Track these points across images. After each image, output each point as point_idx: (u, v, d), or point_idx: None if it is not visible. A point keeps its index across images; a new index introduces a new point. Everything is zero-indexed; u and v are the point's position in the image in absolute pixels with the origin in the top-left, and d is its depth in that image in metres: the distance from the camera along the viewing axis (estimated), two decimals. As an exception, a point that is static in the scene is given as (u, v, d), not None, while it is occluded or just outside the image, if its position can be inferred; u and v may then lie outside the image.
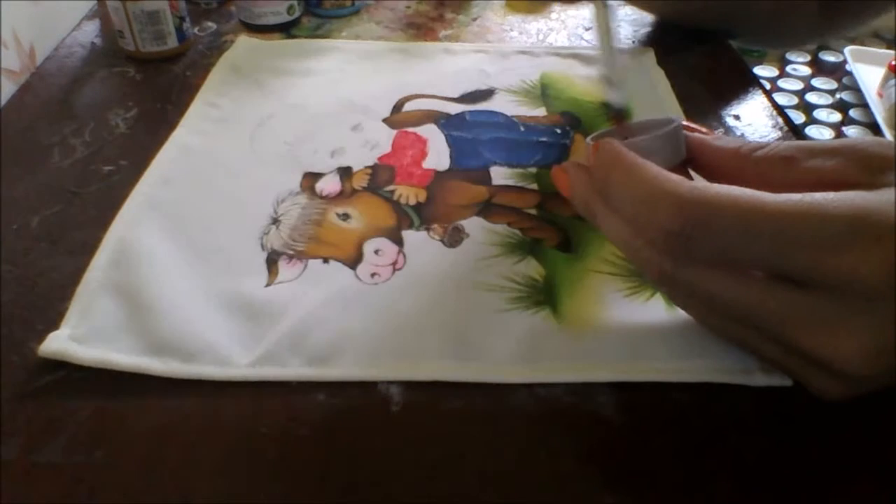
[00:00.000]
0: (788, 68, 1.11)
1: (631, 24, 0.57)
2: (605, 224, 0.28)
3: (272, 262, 0.33)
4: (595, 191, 0.28)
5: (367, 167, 0.40)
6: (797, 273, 0.23)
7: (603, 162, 0.27)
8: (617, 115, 0.32)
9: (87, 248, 0.33)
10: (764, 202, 0.23)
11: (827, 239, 0.22)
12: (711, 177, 0.28)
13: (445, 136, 0.42)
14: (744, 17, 0.53)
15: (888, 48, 1.06)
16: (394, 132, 0.43)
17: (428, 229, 0.36)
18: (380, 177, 0.39)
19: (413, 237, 0.35)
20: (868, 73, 0.99)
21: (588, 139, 0.29)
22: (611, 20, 0.34)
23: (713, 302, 0.25)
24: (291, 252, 0.34)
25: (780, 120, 0.45)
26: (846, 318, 0.23)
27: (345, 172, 0.39)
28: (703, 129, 0.30)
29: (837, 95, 1.04)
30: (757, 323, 0.25)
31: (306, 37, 0.54)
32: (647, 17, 0.57)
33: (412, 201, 0.37)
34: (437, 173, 0.39)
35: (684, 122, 0.29)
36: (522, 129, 0.43)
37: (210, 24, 0.56)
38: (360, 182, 0.39)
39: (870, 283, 0.22)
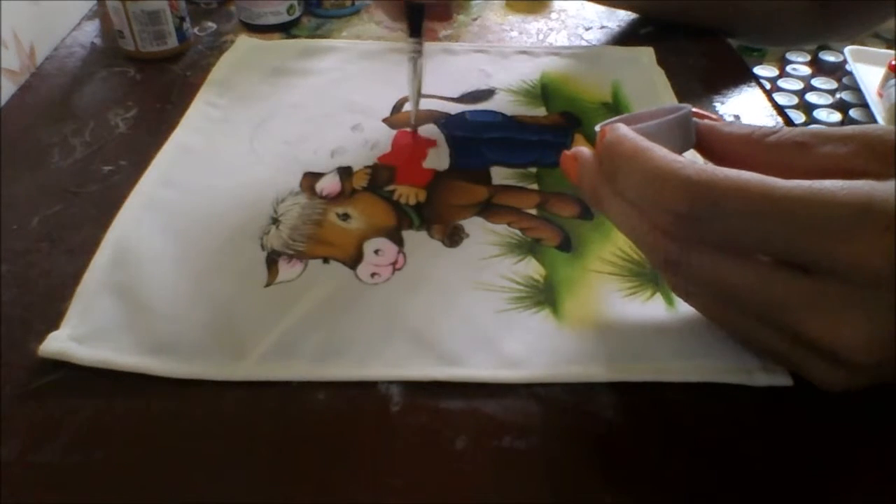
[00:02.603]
0: (788, 68, 1.11)
1: (630, 23, 0.57)
2: (611, 209, 0.27)
3: (272, 262, 0.33)
4: (602, 176, 0.28)
5: (367, 167, 0.40)
6: (804, 259, 0.23)
7: (610, 146, 0.27)
8: None
9: (87, 248, 0.33)
10: (773, 186, 0.23)
11: (835, 226, 0.22)
12: (721, 163, 0.27)
13: (445, 136, 0.42)
14: (737, 17, 0.53)
15: (888, 48, 1.06)
16: (394, 132, 0.43)
17: (428, 229, 0.36)
18: (380, 177, 0.39)
19: (413, 237, 0.35)
20: (868, 73, 0.99)
21: (597, 126, 0.28)
22: (422, 74, 0.40)
23: (718, 288, 0.25)
24: (291, 252, 0.34)
25: (780, 120, 0.45)
26: (851, 305, 0.23)
27: (345, 172, 0.39)
28: (713, 116, 0.29)
29: (837, 95, 1.04)
30: (761, 310, 0.25)
31: (306, 37, 0.54)
32: (648, 17, 0.57)
33: (412, 201, 0.37)
34: (437, 173, 0.39)
35: (693, 110, 0.29)
36: (522, 129, 0.43)
37: (210, 24, 0.56)
38: (360, 182, 0.39)
39: (876, 271, 0.22)
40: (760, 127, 0.27)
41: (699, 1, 0.53)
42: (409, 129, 0.42)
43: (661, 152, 0.25)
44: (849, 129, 0.25)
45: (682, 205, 0.24)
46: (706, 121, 0.29)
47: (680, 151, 0.27)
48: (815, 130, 0.26)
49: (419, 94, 0.41)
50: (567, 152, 0.30)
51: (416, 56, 0.40)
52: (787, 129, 0.27)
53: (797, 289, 0.23)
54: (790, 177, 0.23)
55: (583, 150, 0.29)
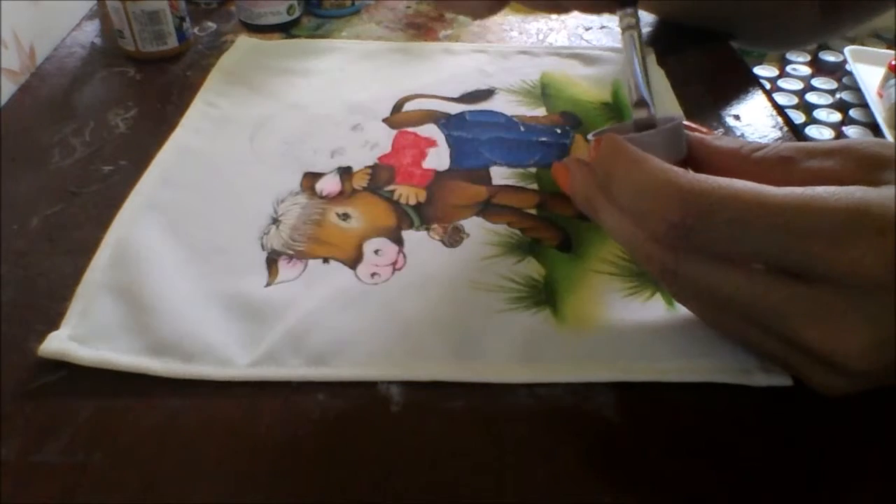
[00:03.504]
0: (788, 68, 1.11)
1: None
2: (606, 219, 0.28)
3: (272, 262, 0.33)
4: (596, 186, 0.28)
5: (367, 167, 0.40)
6: (798, 266, 0.23)
7: (605, 156, 0.27)
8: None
9: (87, 248, 0.33)
10: (765, 195, 0.23)
11: (828, 231, 0.22)
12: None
13: (445, 136, 0.42)
14: (746, 17, 0.53)
15: (888, 48, 1.06)
16: (394, 132, 0.43)
17: (428, 229, 0.36)
18: (380, 177, 0.39)
19: (413, 237, 0.35)
20: (868, 73, 0.99)
21: (590, 136, 0.29)
22: (641, 45, 0.32)
23: (715, 296, 0.25)
24: (291, 252, 0.34)
25: (780, 120, 0.45)
26: (847, 311, 0.23)
27: (345, 172, 0.39)
28: (704, 129, 0.30)
29: (837, 95, 1.04)
30: (758, 317, 0.25)
31: (306, 37, 0.54)
32: (648, 17, 0.57)
33: (412, 201, 0.37)
34: (437, 173, 0.39)
35: (685, 122, 0.29)
36: (522, 129, 0.43)
37: (210, 24, 0.56)
38: (360, 182, 0.39)
39: (871, 275, 0.22)
40: (749, 142, 0.28)
41: (703, 2, 0.53)
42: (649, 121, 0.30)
43: (656, 162, 0.25)
44: (834, 143, 0.26)
45: (677, 214, 0.24)
46: (696, 134, 0.29)
47: (672, 162, 0.27)
48: (800, 146, 0.26)
49: (645, 73, 0.31)
50: (557, 163, 0.30)
51: (633, 27, 0.32)
52: (773, 145, 0.27)
53: (792, 296, 0.23)
54: None
55: (574, 159, 0.29)
